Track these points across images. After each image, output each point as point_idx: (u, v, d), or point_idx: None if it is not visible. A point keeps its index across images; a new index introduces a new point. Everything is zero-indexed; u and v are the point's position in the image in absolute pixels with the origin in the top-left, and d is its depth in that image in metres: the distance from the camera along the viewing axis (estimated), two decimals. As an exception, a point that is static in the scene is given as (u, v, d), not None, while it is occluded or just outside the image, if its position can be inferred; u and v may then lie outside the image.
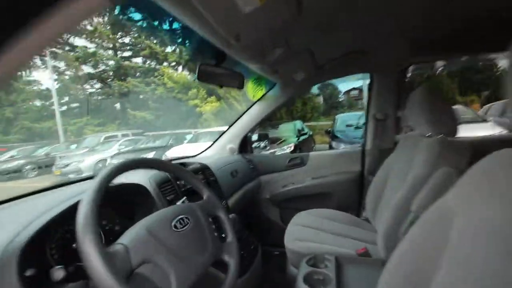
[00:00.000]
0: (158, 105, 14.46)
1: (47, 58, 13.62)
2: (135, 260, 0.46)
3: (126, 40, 15.65)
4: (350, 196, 1.80)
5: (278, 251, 1.87)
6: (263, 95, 1.76)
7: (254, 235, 1.97)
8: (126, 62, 15.48)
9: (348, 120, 6.68)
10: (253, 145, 2.05)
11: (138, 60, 15.86)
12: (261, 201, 1.94)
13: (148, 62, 15.58)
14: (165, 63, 15.12)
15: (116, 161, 0.59)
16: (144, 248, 0.48)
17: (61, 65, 15.72)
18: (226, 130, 1.93)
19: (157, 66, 15.16)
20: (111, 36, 14.91)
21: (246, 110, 1.87)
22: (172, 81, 13.25)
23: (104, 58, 15.69)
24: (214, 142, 1.94)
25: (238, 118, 1.89)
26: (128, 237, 0.49)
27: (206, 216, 0.68)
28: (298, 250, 1.19)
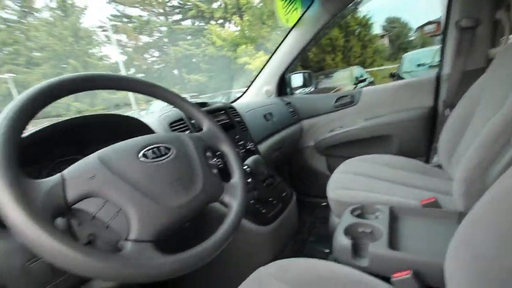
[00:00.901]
0: (209, 67, 14.64)
1: (109, 33, 14.79)
2: (73, 194, 0.34)
3: (174, 2, 15.71)
4: (416, 138, 1.44)
5: (325, 202, 1.70)
6: (299, 18, 1.42)
7: (295, 185, 1.84)
8: (177, 26, 15.74)
9: (420, 58, 5.53)
10: (294, 86, 1.78)
11: (187, 22, 15.94)
12: (303, 149, 1.73)
13: (196, 23, 15.55)
14: (212, 21, 14.84)
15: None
16: (87, 179, 0.35)
17: (123, 37, 16.93)
18: (261, 71, 1.69)
19: (205, 26, 15.02)
20: (160, 0, 15.13)
21: (281, 43, 1.58)
22: (221, 39, 13.02)
23: (157, 25, 16.23)
24: (248, 87, 1.74)
25: (272, 55, 1.62)
26: (71, 168, 0.36)
27: (201, 149, 0.53)
28: (342, 200, 0.99)
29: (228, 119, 1.05)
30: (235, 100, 1.70)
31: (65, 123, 0.56)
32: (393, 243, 0.68)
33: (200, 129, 0.59)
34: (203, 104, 1.09)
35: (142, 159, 0.43)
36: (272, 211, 0.87)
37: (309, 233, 1.45)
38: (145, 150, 0.44)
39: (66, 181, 0.34)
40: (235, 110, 1.13)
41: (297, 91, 1.85)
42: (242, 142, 1.03)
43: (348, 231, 0.77)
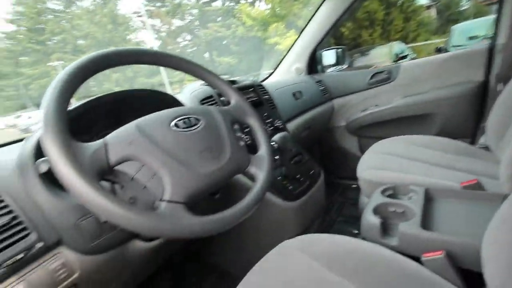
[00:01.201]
0: (239, 48, 14.51)
1: (144, 18, 15.24)
2: (114, 157, 0.38)
3: (204, -18, 15.57)
4: (462, 117, 1.31)
5: (355, 184, 1.66)
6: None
7: (325, 166, 1.81)
8: (207, 8, 15.69)
9: (472, 29, 4.89)
10: (325, 64, 1.70)
11: (218, 3, 15.78)
12: (334, 128, 1.67)
13: (226, 3, 15.33)
14: (242, 1, 14.51)
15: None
16: (127, 145, 0.39)
17: (157, 22, 17.36)
18: (290, 49, 1.64)
19: (235, 6, 14.75)
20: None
21: (311, 18, 1.50)
22: (251, 18, 12.71)
23: (189, 8, 16.32)
24: (277, 66, 1.70)
25: (303, 30, 1.55)
26: (112, 134, 0.40)
27: (229, 122, 0.54)
28: (373, 180, 0.96)
29: (257, 97, 1.05)
30: (264, 80, 1.69)
31: (107, 97, 0.61)
32: (426, 224, 0.65)
33: (229, 104, 0.61)
34: (233, 82, 1.10)
35: (174, 128, 0.45)
36: (299, 187, 0.88)
37: (337, 214, 1.44)
38: (176, 120, 0.47)
39: (108, 145, 0.38)
40: (263, 87, 1.12)
41: (329, 70, 1.77)
42: (270, 119, 1.03)
43: (377, 210, 0.75)
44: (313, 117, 1.41)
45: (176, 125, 0.46)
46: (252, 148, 0.59)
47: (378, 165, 1.00)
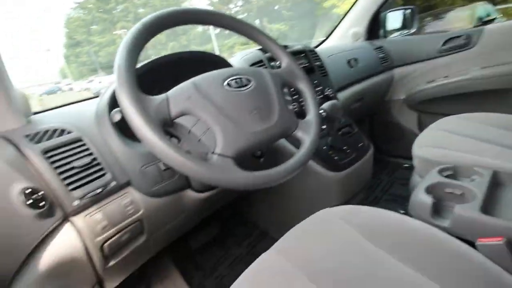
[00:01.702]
0: (292, 14, 13.67)
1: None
2: (174, 110, 0.42)
3: None
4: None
5: (408, 164, 1.54)
6: None
7: (376, 142, 1.70)
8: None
9: None
10: (390, 28, 1.51)
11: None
12: (391, 102, 1.53)
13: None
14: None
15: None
16: (185, 99, 0.43)
17: (209, -13, 17.20)
18: (349, 11, 1.49)
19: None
20: None
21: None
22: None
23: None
24: (333, 30, 1.57)
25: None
26: (173, 90, 0.44)
27: (279, 84, 0.54)
28: (430, 158, 0.88)
29: (308, 63, 1.01)
30: (318, 45, 1.59)
31: (168, 57, 0.66)
32: (486, 208, 0.59)
33: (279, 68, 0.60)
34: (284, 47, 1.06)
35: (227, 87, 0.47)
36: (345, 159, 0.85)
37: (384, 192, 1.37)
38: (229, 79, 0.48)
39: (169, 99, 0.42)
40: (315, 53, 1.06)
41: (393, 35, 1.58)
42: (320, 87, 0.98)
43: (430, 189, 0.70)
44: (368, 88, 1.30)
45: (228, 84, 0.48)
46: (300, 115, 0.59)
47: (439, 143, 0.90)
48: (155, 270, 0.96)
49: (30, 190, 0.44)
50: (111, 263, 0.57)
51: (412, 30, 1.57)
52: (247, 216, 1.25)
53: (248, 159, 0.71)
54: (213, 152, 0.42)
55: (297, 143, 0.61)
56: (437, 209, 0.68)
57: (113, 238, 0.54)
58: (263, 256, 0.52)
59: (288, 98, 0.56)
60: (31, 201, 0.43)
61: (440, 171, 0.77)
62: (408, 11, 1.57)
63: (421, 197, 0.68)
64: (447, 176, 0.76)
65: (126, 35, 0.43)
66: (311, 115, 0.56)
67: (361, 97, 1.30)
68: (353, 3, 1.46)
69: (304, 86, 0.59)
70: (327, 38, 1.58)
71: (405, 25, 1.59)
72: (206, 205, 0.74)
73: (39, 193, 0.45)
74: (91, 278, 0.58)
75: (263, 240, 1.16)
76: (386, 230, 0.56)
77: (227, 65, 0.77)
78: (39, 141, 0.50)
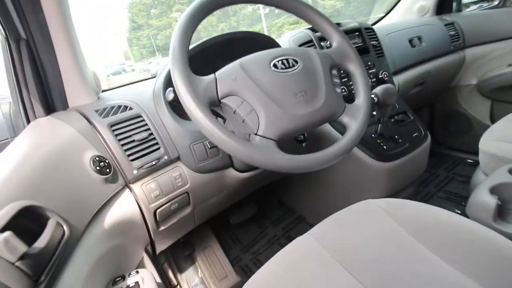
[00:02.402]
0: (349, -12, 12.54)
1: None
2: (221, 90, 0.44)
3: None
4: None
5: (472, 160, 1.36)
6: None
7: (436, 134, 1.52)
8: None
9: None
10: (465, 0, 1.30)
11: None
12: (459, 88, 1.34)
13: None
14: None
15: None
16: (231, 80, 0.44)
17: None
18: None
19: None
20: None
21: None
22: None
23: None
24: (395, 4, 1.40)
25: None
26: (221, 70, 0.45)
27: (327, 66, 0.52)
28: (498, 154, 0.76)
29: (362, 42, 0.93)
30: (376, 22, 1.45)
31: (219, 38, 0.68)
32: None
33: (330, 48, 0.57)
34: (338, 25, 0.99)
35: (273, 68, 0.47)
36: (395, 149, 0.79)
37: (438, 188, 1.24)
38: (276, 60, 0.48)
39: (217, 79, 0.44)
40: (372, 31, 0.97)
41: (470, 8, 1.35)
42: (374, 70, 0.91)
43: (496, 190, 0.61)
44: (432, 70, 1.15)
45: (275, 65, 0.47)
46: (349, 100, 0.56)
47: (510, 137, 0.77)
48: (198, 239, 1.05)
49: (98, 158, 0.51)
50: (162, 228, 0.65)
51: (495, 2, 1.32)
52: (285, 200, 1.27)
53: (291, 142, 0.71)
54: (256, 134, 0.43)
55: (342, 130, 0.59)
56: (502, 213, 0.60)
57: (164, 206, 0.61)
58: (299, 239, 0.52)
59: (337, 80, 0.53)
60: (99, 167, 0.50)
61: (511, 170, 0.67)
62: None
63: (483, 197, 0.60)
64: (520, 176, 0.66)
65: (180, 18, 0.45)
66: (361, 99, 0.53)
67: (423, 81, 1.16)
68: (423, -28, 1.27)
69: (355, 68, 0.55)
70: (387, 13, 1.43)
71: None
72: (247, 185, 0.76)
73: (106, 161, 0.52)
74: (145, 239, 0.66)
75: (299, 224, 1.17)
76: (435, 227, 0.51)
77: (276, 45, 0.75)
78: (106, 116, 0.57)
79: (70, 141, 0.50)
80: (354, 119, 0.50)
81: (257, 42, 0.71)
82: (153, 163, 0.57)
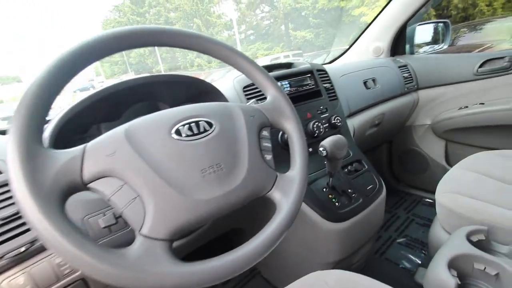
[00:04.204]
0: (318, 21, 13.42)
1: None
2: (89, 170, 0.30)
3: None
4: None
5: (431, 199, 1.35)
6: None
7: (395, 172, 1.50)
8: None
9: None
10: (418, 42, 1.34)
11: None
12: (415, 127, 1.35)
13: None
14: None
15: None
16: (107, 156, 0.31)
17: (237, -7, 17.46)
18: (370, 24, 1.33)
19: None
20: None
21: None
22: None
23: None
24: (351, 44, 1.42)
25: (389, 1, 1.22)
26: (96, 139, 0.32)
27: (255, 127, 0.41)
28: (455, 210, 0.71)
29: (314, 85, 0.87)
30: (333, 61, 1.44)
31: (126, 85, 0.55)
32: None
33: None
34: (289, 65, 0.94)
35: (175, 136, 0.35)
36: (349, 206, 0.70)
37: (399, 233, 1.19)
38: (180, 124, 0.36)
39: (85, 154, 0.30)
40: (325, 73, 0.92)
41: (422, 49, 1.40)
42: (326, 114, 0.85)
43: (455, 264, 0.54)
44: (387, 112, 1.14)
45: (178, 131, 0.36)
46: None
47: (468, 189, 0.73)
48: None
49: None
50: None
51: (444, 47, 1.38)
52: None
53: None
54: (138, 232, 0.31)
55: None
56: (462, 291, 0.52)
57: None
58: None
59: (267, 144, 0.43)
60: None
61: (469, 235, 0.61)
62: (441, 25, 1.39)
63: (442, 275, 0.52)
64: (476, 243, 0.60)
65: (40, 70, 0.31)
66: (296, 169, 0.43)
67: (378, 122, 1.14)
68: (377, 14, 1.30)
69: (292, 128, 0.46)
70: (344, 53, 1.44)
71: (436, 39, 1.41)
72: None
73: None
74: None
75: (253, 279, 1.03)
76: None
77: (210, 89, 0.65)
78: None
79: None
80: (286, 196, 0.40)
81: (185, 89, 0.60)
82: (22, 249, 0.41)
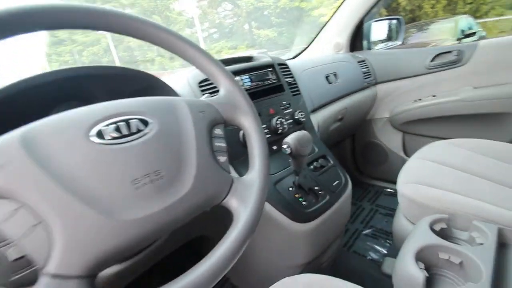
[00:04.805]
0: (281, 20, 13.66)
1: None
2: None
3: None
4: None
5: (392, 189, 1.40)
6: None
7: (358, 164, 1.54)
8: (250, -25, 14.84)
9: None
10: (374, 39, 1.38)
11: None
12: (374, 120, 1.39)
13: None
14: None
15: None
16: None
17: (199, -10, 17.00)
18: (329, 20, 1.34)
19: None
20: None
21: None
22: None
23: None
24: (312, 40, 1.41)
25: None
26: None
27: (205, 124, 0.35)
28: (417, 200, 0.72)
29: (276, 79, 0.83)
30: (295, 57, 1.43)
31: (51, 76, 0.45)
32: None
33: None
34: (249, 59, 0.89)
35: (95, 140, 0.27)
36: (315, 204, 0.67)
37: (364, 224, 1.21)
38: (103, 124, 0.28)
39: None
40: (287, 67, 0.89)
41: (378, 46, 1.44)
42: (290, 110, 0.81)
43: (421, 256, 0.53)
44: (349, 106, 1.15)
45: (100, 133, 0.28)
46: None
47: (428, 178, 0.75)
48: None
49: None
50: None
51: (399, 43, 1.44)
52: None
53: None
54: (42, 270, 0.23)
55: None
56: (430, 282, 0.52)
57: None
58: None
59: (221, 144, 0.37)
60: None
61: (432, 224, 0.61)
62: (394, 21, 1.44)
63: (410, 269, 0.51)
64: (440, 232, 0.60)
65: None
66: (255, 171, 0.38)
67: (341, 117, 1.14)
68: (334, 11, 1.31)
69: (249, 124, 0.40)
70: (305, 49, 1.43)
71: (391, 36, 1.46)
72: (121, 280, 0.53)
73: None
74: None
75: (222, 287, 0.97)
76: None
77: (160, 86, 0.57)
78: None
79: None
80: (243, 203, 0.34)
81: (128, 83, 0.51)
82: None
